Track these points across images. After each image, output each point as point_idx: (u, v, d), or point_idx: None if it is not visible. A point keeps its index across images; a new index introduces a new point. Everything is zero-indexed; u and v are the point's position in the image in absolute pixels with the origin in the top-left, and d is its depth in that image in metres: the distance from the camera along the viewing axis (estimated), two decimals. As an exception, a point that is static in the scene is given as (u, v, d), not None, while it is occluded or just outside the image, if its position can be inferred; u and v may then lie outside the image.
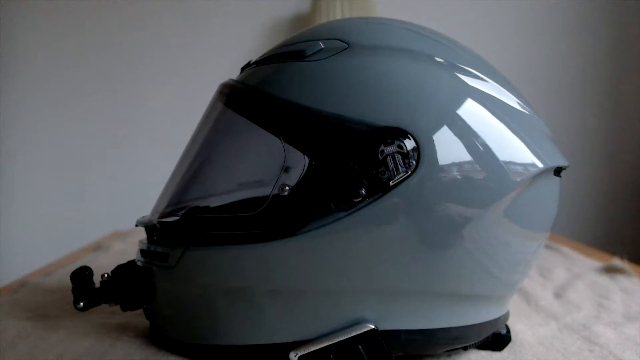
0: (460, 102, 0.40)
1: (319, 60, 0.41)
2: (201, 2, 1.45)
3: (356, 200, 0.38)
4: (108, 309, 0.53)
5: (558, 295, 0.65)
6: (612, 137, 1.50)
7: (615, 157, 1.50)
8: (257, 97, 0.43)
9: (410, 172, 0.38)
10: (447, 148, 0.38)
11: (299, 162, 0.40)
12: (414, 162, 0.38)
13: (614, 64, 1.47)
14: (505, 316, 0.48)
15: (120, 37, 1.46)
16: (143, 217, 0.51)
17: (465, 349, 0.46)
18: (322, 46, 0.42)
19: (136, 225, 0.50)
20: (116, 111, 1.47)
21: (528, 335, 0.51)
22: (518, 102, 0.43)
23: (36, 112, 1.45)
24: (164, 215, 0.48)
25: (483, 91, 0.41)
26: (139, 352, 0.46)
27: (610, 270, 0.75)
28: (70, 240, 1.09)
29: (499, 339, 0.48)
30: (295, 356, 0.40)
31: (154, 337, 0.49)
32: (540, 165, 0.41)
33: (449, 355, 0.46)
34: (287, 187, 0.40)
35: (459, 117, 0.39)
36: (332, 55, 0.41)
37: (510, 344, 0.48)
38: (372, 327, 0.40)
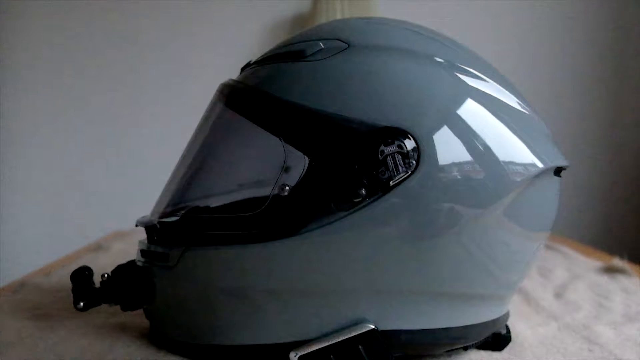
0: (460, 102, 0.40)
1: (319, 60, 0.41)
2: (201, 2, 1.45)
3: (356, 200, 0.38)
4: (108, 309, 0.53)
5: (558, 295, 0.65)
6: (612, 137, 1.49)
7: (615, 157, 1.50)
8: (257, 97, 0.43)
9: (410, 172, 0.38)
10: (447, 148, 0.38)
11: (299, 162, 0.40)
12: (414, 162, 0.38)
13: (614, 63, 1.47)
14: (505, 316, 0.48)
15: (121, 37, 1.45)
16: (143, 217, 0.51)
17: (465, 349, 0.46)
18: (323, 46, 0.42)
19: (136, 226, 0.50)
20: (116, 111, 1.47)
21: (528, 335, 0.51)
22: (518, 102, 0.43)
23: (36, 112, 1.45)
24: (164, 215, 0.48)
25: (483, 91, 0.41)
26: (139, 352, 0.46)
27: (610, 270, 0.75)
28: (70, 240, 1.09)
29: (499, 339, 0.48)
30: (295, 356, 0.40)
31: (154, 337, 0.49)
32: (540, 165, 0.41)
33: (449, 355, 0.46)
34: (287, 187, 0.40)
35: (459, 117, 0.39)
36: (333, 55, 0.41)
37: (510, 344, 0.48)
38: (372, 327, 0.40)
